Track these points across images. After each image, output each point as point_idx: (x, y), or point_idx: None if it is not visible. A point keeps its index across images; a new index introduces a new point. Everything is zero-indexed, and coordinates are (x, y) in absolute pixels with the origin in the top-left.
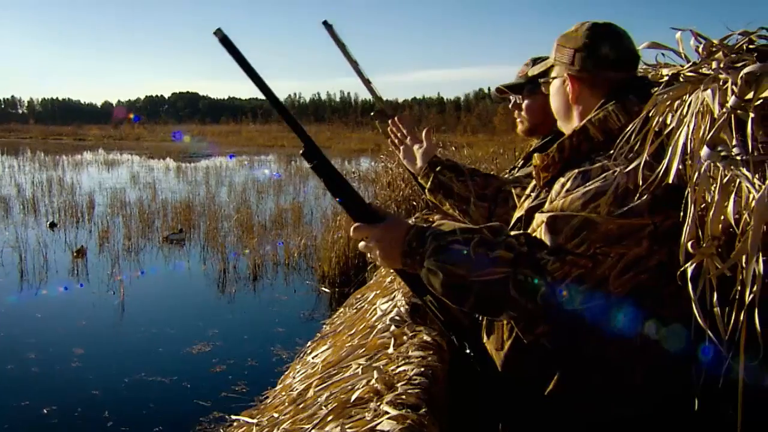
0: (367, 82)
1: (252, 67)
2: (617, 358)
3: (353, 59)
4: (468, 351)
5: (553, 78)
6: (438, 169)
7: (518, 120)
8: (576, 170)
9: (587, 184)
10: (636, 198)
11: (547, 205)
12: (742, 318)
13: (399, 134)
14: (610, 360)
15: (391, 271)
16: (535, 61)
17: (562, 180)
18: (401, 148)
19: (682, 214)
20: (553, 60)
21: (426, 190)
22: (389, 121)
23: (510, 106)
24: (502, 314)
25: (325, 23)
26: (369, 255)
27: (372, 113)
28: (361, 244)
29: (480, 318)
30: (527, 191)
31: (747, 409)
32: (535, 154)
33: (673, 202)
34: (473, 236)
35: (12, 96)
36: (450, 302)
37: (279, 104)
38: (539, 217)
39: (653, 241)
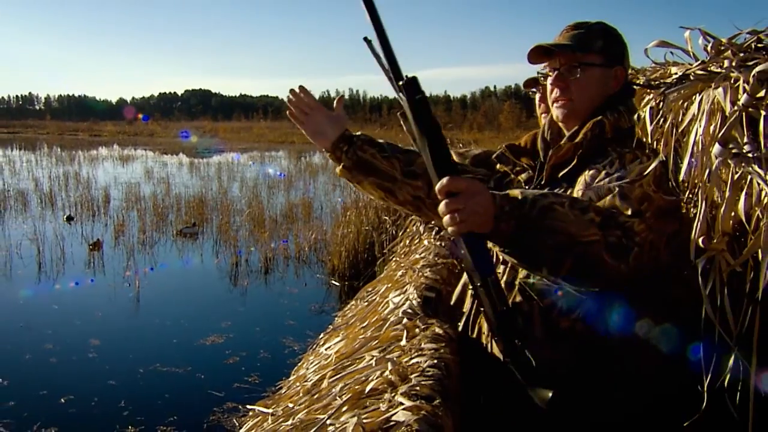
0: (398, 91)
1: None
2: (638, 345)
3: (386, 68)
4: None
5: (599, 65)
6: (356, 143)
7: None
8: (608, 158)
9: (627, 167)
10: (668, 181)
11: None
12: (751, 311)
13: (301, 105)
14: (632, 347)
15: (402, 264)
16: None
17: (589, 172)
18: (304, 119)
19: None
20: (598, 49)
21: (340, 167)
22: (289, 91)
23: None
24: (593, 278)
25: (365, 39)
26: (448, 217)
27: (399, 113)
28: (444, 204)
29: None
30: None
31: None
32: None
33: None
34: (563, 199)
35: (29, 93)
36: (545, 267)
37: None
38: (602, 188)
39: (681, 220)
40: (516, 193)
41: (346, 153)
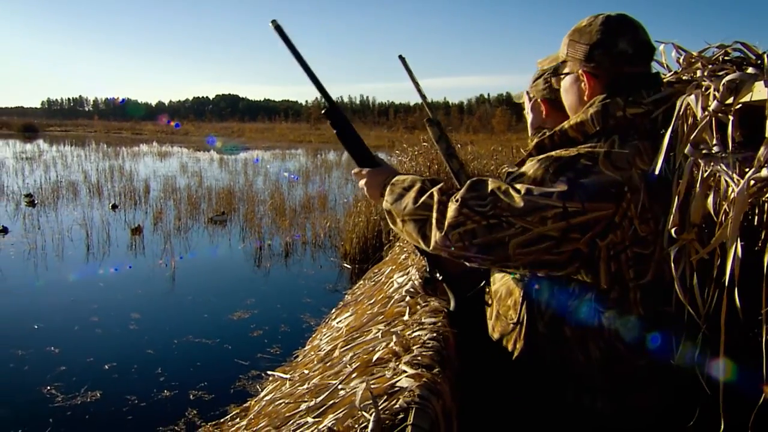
0: (423, 98)
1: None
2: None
3: (416, 81)
4: (438, 275)
5: (566, 74)
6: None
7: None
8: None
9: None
10: (548, 184)
11: None
12: (719, 297)
13: None
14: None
15: (405, 249)
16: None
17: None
18: None
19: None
20: (564, 55)
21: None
22: None
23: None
24: (418, 241)
25: (400, 57)
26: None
27: (425, 120)
28: (360, 182)
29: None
30: None
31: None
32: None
33: (607, 196)
34: (414, 185)
35: (79, 96)
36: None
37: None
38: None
39: (565, 227)
40: (402, 182)
41: None
